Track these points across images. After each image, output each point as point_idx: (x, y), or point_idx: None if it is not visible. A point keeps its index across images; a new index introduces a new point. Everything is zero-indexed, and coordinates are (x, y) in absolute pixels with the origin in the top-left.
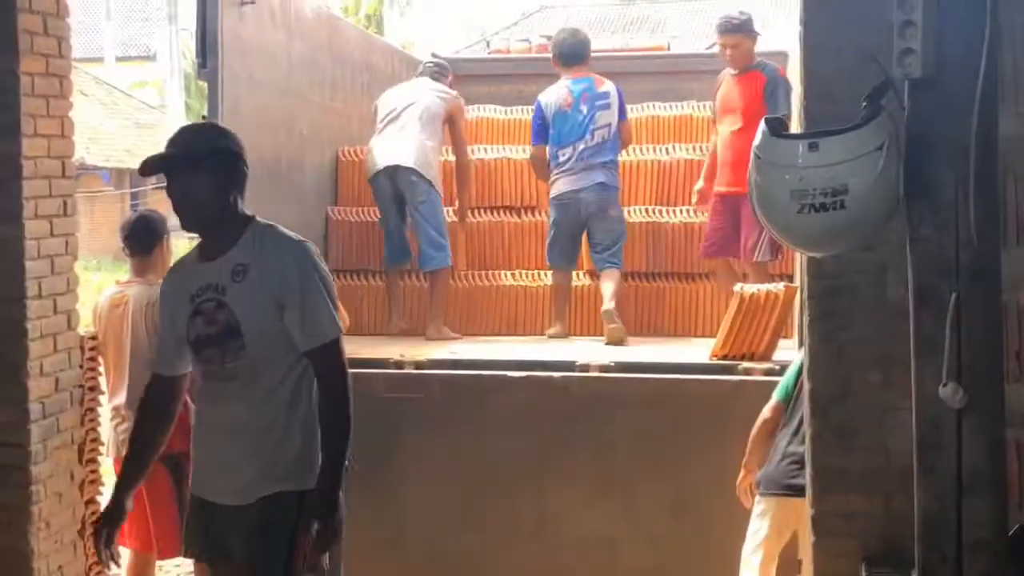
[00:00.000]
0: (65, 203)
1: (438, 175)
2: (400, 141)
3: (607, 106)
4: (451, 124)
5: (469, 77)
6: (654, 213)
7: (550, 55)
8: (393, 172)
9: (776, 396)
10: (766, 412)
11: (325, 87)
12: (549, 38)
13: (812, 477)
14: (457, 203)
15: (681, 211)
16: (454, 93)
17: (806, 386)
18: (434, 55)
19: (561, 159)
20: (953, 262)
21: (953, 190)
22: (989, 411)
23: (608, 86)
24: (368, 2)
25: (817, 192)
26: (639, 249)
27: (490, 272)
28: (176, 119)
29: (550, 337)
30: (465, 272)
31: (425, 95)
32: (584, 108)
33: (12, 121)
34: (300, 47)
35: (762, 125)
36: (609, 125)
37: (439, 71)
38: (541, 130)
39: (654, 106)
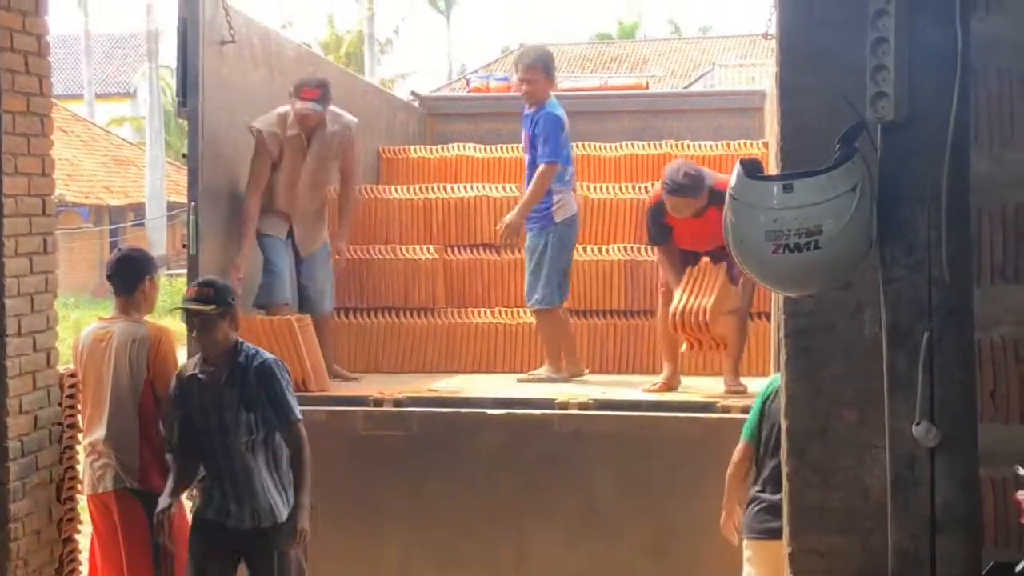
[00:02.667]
0: (45, 241)
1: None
2: None
3: None
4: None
5: (448, 115)
6: (632, 251)
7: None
8: None
9: (743, 437)
10: (736, 454)
11: None
12: None
13: (789, 515)
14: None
15: None
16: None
17: (783, 423)
18: (414, 93)
19: (566, 177)
20: (926, 302)
21: (926, 231)
22: (963, 449)
23: None
24: (348, 40)
25: (792, 233)
26: (618, 287)
27: (468, 309)
28: (156, 156)
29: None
30: (444, 309)
31: None
32: None
33: None
34: (282, 86)
35: (737, 167)
36: None
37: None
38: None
39: (633, 145)
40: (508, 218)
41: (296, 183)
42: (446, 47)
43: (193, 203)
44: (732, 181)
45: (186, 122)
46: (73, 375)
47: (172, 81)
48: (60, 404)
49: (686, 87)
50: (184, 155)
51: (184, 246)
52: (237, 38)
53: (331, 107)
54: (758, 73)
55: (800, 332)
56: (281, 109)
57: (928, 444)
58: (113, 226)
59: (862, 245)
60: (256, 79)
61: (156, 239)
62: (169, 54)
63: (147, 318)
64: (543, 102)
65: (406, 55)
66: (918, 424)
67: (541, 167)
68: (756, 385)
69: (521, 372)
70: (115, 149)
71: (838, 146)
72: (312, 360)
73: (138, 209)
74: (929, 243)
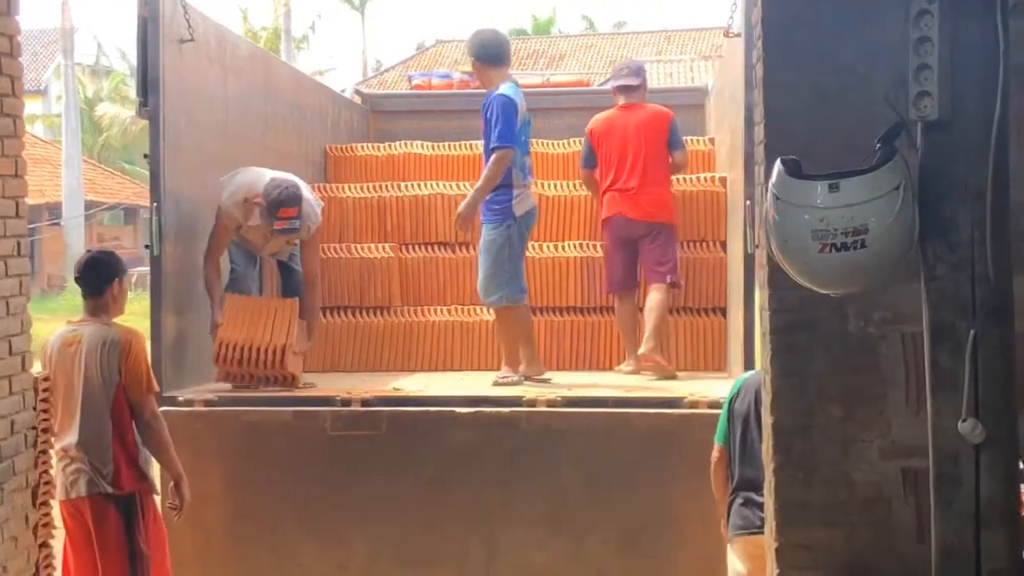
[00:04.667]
0: (19, 243)
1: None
2: None
3: None
4: None
5: (392, 113)
6: (588, 248)
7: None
8: None
9: (716, 441)
10: (713, 461)
11: (258, 124)
12: (470, 74)
13: (775, 510)
14: None
15: None
16: None
17: (767, 419)
18: (357, 91)
19: (526, 168)
20: (969, 300)
21: (969, 229)
22: (1005, 445)
23: None
24: (264, 37)
25: (839, 232)
26: (574, 284)
27: (424, 308)
28: (72, 155)
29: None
30: (400, 307)
31: None
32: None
33: None
34: (235, 85)
35: (778, 164)
36: None
37: None
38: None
39: (579, 142)
40: (461, 207)
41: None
42: (361, 43)
43: (156, 204)
44: (773, 179)
45: (97, 121)
46: (47, 379)
47: (85, 79)
48: (35, 408)
49: (602, 83)
50: (146, 156)
51: (147, 246)
52: (195, 36)
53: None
54: (676, 69)
55: (784, 328)
56: (248, 194)
57: (974, 440)
58: (29, 225)
59: (905, 244)
60: (212, 78)
61: (73, 238)
62: (83, 51)
63: (116, 320)
64: (494, 87)
65: (322, 51)
66: (964, 421)
67: (494, 154)
68: (691, 385)
69: (479, 370)
70: (28, 147)
71: (878, 145)
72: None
73: (54, 208)
74: (972, 241)
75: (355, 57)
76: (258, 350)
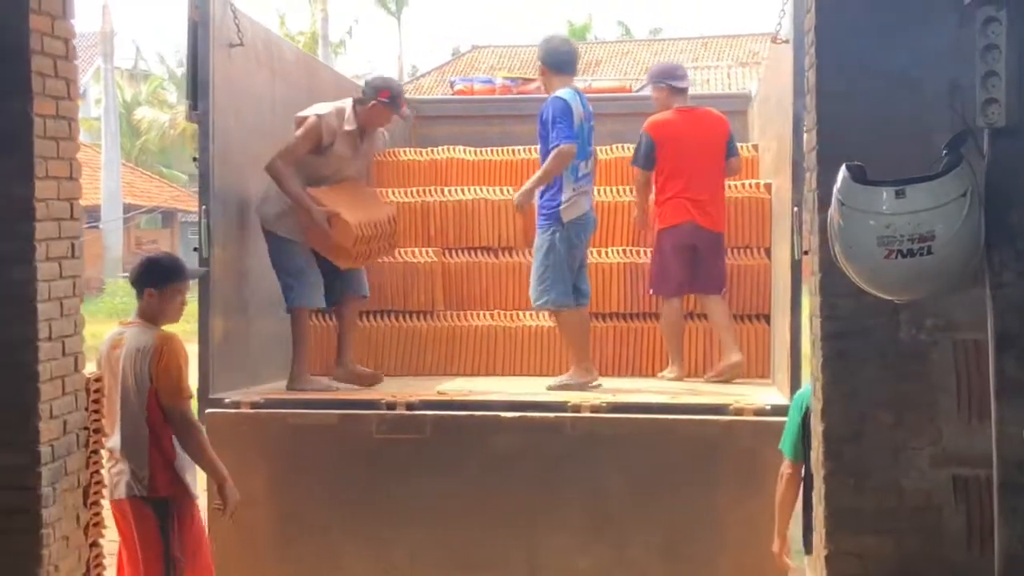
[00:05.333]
0: (73, 245)
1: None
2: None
3: None
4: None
5: (434, 118)
6: (631, 254)
7: (515, 94)
8: None
9: (787, 456)
10: (783, 477)
11: None
12: (513, 79)
13: (825, 517)
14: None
15: None
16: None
17: (818, 427)
18: None
19: (580, 173)
20: None
21: None
22: None
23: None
24: (302, 41)
25: (905, 238)
26: (617, 290)
27: (467, 312)
28: (112, 159)
29: (668, 380)
30: (443, 311)
31: None
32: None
33: (26, 163)
34: (281, 88)
35: (843, 170)
36: None
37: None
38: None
39: (623, 148)
40: (516, 196)
41: (340, 175)
42: (397, 48)
43: (204, 207)
44: (838, 185)
45: (135, 124)
46: (99, 379)
47: (123, 83)
48: (86, 408)
49: (638, 90)
50: (195, 159)
51: (195, 249)
52: (244, 40)
53: None
54: (713, 75)
55: (835, 335)
56: (339, 104)
57: None
58: None
59: (971, 250)
60: (260, 81)
61: (111, 241)
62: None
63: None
64: (552, 92)
65: (359, 56)
66: None
67: (554, 150)
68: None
69: (522, 375)
70: None
71: (944, 152)
72: None
73: (93, 211)
74: None
75: (391, 62)
76: (379, 223)
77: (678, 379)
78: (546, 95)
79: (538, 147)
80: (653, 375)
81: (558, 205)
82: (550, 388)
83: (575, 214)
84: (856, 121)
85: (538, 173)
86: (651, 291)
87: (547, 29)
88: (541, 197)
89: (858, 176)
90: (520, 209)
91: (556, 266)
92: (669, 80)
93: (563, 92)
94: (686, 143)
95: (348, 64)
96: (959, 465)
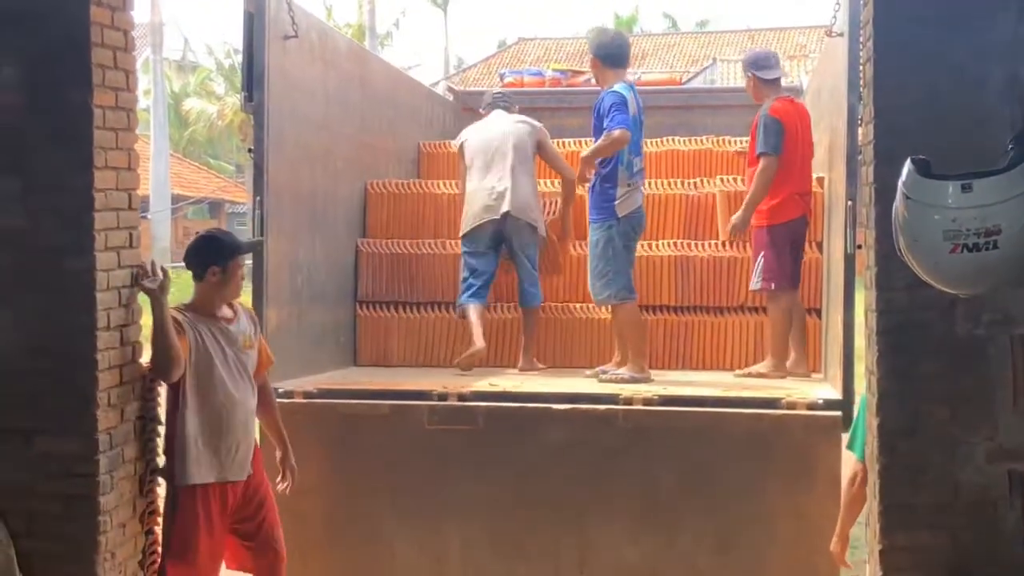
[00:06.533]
0: (131, 235)
1: (540, 215)
2: (506, 187)
3: None
4: (542, 150)
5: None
6: (682, 247)
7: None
8: (502, 219)
9: (857, 457)
10: (852, 477)
11: (355, 120)
12: (563, 72)
13: (879, 512)
14: (563, 219)
15: (710, 245)
16: (534, 121)
17: (872, 421)
18: (450, 88)
19: (635, 169)
20: None
21: None
22: None
23: None
24: (349, 33)
25: (971, 232)
26: (668, 283)
27: (518, 304)
28: (161, 149)
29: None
30: (493, 303)
31: (513, 131)
32: None
33: (86, 154)
34: (334, 80)
35: (908, 164)
36: None
37: (507, 102)
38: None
39: (673, 140)
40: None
41: None
42: (443, 41)
43: (259, 198)
44: (903, 178)
45: (184, 115)
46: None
47: (171, 74)
48: (142, 397)
49: (685, 82)
50: (250, 151)
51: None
52: (298, 32)
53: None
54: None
55: (891, 329)
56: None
57: None
58: None
59: None
60: (314, 73)
61: (160, 232)
62: (170, 46)
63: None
64: (608, 87)
65: (405, 49)
66: None
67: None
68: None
69: (573, 367)
70: None
71: (1010, 147)
72: None
73: (142, 201)
74: None
75: (437, 54)
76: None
77: (779, 375)
78: (597, 88)
79: (591, 140)
80: (705, 368)
81: (612, 200)
82: (602, 380)
83: (629, 208)
84: (913, 115)
85: (595, 145)
86: (760, 286)
87: (593, 21)
88: (593, 192)
89: (923, 170)
90: (583, 179)
91: (616, 259)
92: (754, 70)
93: (619, 87)
94: (800, 135)
95: (395, 56)
96: (1015, 460)
